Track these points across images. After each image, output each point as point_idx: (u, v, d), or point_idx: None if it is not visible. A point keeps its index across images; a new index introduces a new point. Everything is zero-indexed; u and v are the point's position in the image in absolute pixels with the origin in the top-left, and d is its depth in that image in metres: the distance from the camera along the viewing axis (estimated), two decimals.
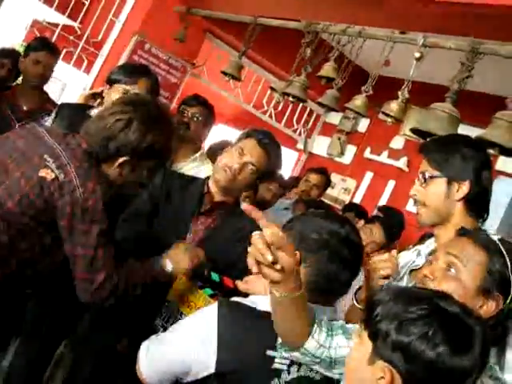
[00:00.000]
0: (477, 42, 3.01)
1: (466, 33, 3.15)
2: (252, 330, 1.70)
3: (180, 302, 2.33)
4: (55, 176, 1.96)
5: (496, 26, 3.09)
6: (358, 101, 3.66)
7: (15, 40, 6.18)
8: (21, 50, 4.55)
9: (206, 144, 5.63)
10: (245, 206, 1.42)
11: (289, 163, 7.60)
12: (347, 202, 6.29)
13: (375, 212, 4.70)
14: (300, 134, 7.32)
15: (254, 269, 1.36)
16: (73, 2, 5.71)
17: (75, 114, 3.11)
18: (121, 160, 2.14)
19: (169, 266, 2.25)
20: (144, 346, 1.87)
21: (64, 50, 5.59)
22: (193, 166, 3.75)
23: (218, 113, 4.18)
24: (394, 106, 3.41)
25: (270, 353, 1.67)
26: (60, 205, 1.97)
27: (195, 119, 3.80)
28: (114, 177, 2.20)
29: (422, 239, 2.49)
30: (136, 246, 2.54)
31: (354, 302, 2.04)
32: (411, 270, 2.18)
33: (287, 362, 1.69)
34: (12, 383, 2.95)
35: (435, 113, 2.96)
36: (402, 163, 6.16)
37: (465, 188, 2.03)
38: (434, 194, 2.07)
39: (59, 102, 3.95)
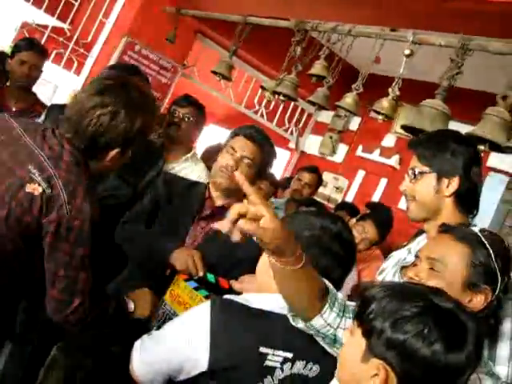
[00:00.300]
0: (466, 39, 3.02)
1: (455, 30, 3.16)
2: (245, 327, 1.69)
3: (176, 303, 2.32)
4: (42, 190, 1.82)
5: (485, 23, 3.10)
6: (349, 99, 3.67)
7: (4, 42, 6.15)
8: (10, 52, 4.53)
9: (198, 145, 5.63)
10: (237, 175, 1.43)
11: (281, 162, 7.60)
12: (340, 201, 6.30)
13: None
14: (292, 133, 7.32)
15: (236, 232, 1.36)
16: (62, 4, 5.70)
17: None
18: (113, 153, 2.01)
19: (130, 306, 2.23)
20: (136, 345, 1.86)
21: (54, 52, 5.58)
22: (184, 167, 3.75)
23: (210, 113, 4.18)
24: (384, 104, 3.42)
25: (262, 350, 1.67)
26: (46, 221, 1.84)
27: (186, 120, 3.79)
28: (104, 170, 2.11)
29: (415, 236, 2.50)
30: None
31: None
32: (402, 267, 2.19)
33: (280, 359, 1.69)
34: None
35: (425, 110, 2.97)
36: (393, 161, 6.17)
37: (454, 184, 2.03)
38: (424, 190, 2.08)
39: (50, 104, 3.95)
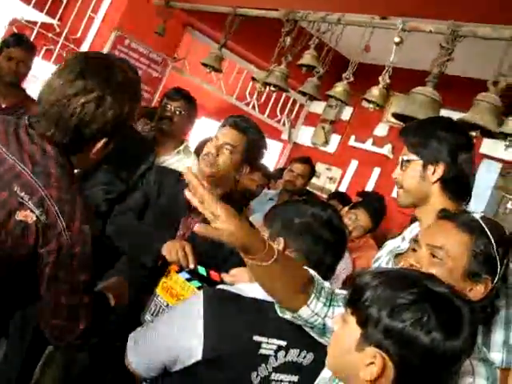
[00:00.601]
0: (456, 25, 3.02)
1: (445, 17, 3.15)
2: (238, 316, 1.69)
3: (168, 295, 2.32)
4: (36, 217, 1.58)
5: (474, 8, 3.10)
6: (340, 88, 3.66)
7: None
8: None
9: (191, 137, 5.61)
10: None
11: (273, 154, 7.60)
12: (333, 191, 6.30)
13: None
14: (284, 125, 7.31)
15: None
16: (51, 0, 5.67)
17: None
18: (99, 144, 1.75)
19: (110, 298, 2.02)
20: (131, 336, 1.87)
21: (44, 48, 5.55)
22: (177, 159, 3.75)
23: (201, 106, 4.18)
24: (375, 92, 3.42)
25: (256, 338, 1.67)
26: (43, 251, 1.61)
27: (178, 113, 3.79)
28: (88, 164, 1.87)
29: (410, 224, 2.50)
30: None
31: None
32: (397, 255, 2.19)
33: (274, 347, 1.69)
34: (4, 380, 2.94)
35: (416, 97, 2.97)
36: (386, 150, 6.17)
37: (440, 170, 2.03)
38: (410, 177, 2.08)
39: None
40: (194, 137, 6.47)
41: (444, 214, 1.75)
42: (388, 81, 3.37)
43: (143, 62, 5.59)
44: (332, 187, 6.55)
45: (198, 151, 4.07)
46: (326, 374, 1.60)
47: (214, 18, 5.17)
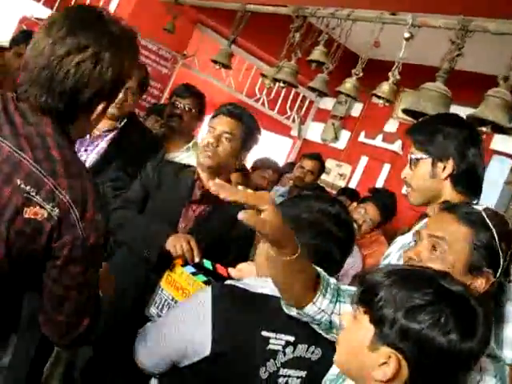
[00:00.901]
0: (466, 20, 3.00)
1: (454, 11, 3.13)
2: (246, 311, 1.69)
3: (174, 289, 2.31)
4: (48, 213, 1.42)
5: (484, 3, 3.08)
6: (349, 84, 3.65)
7: (4, 37, 6.14)
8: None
9: (200, 134, 5.62)
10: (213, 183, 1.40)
11: (283, 150, 7.59)
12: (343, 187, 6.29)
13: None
14: (294, 121, 7.31)
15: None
16: None
17: None
18: (99, 109, 1.57)
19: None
20: (140, 332, 1.87)
21: None
22: (186, 156, 3.75)
23: (210, 102, 4.17)
24: (385, 88, 3.41)
25: (265, 334, 1.67)
26: (57, 245, 1.46)
27: (188, 110, 3.80)
28: (86, 132, 1.71)
29: (419, 220, 2.48)
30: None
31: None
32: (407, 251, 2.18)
33: (282, 342, 1.69)
34: (13, 379, 2.95)
35: (426, 92, 2.96)
36: (396, 146, 6.15)
37: (449, 166, 2.02)
38: (420, 176, 2.08)
39: None
40: (203, 133, 6.47)
41: (445, 206, 1.73)
42: (398, 77, 3.37)
43: (153, 59, 5.60)
44: (342, 183, 6.53)
45: None
46: (335, 370, 1.59)
47: (224, 15, 5.17)
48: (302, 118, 7.33)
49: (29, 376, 2.91)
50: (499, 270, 1.59)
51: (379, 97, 3.46)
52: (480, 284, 1.58)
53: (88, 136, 2.99)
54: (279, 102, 7.07)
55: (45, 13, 5.68)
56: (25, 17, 5.83)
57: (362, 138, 6.61)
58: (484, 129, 2.77)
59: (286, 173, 5.39)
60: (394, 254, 2.28)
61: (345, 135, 6.82)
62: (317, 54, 3.95)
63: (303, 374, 1.74)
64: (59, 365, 3.02)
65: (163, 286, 2.33)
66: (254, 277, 1.85)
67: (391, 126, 6.32)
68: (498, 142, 5.18)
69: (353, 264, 3.79)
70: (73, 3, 5.80)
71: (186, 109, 3.80)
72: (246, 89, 6.78)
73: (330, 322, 1.60)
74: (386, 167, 6.23)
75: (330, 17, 3.88)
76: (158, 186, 2.66)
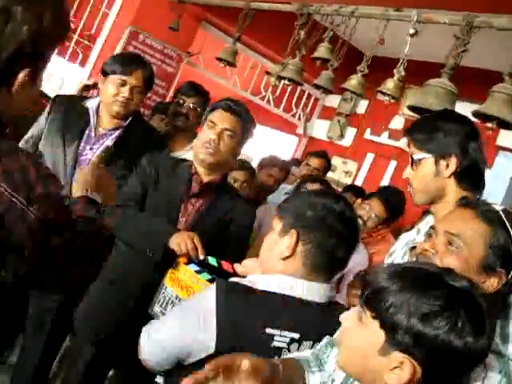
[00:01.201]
0: (471, 16, 2.99)
1: (459, 7, 3.13)
2: (251, 308, 1.69)
3: (178, 287, 2.31)
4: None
5: None
6: (354, 81, 3.65)
7: None
8: None
9: None
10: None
11: (289, 148, 7.59)
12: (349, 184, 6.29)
13: None
14: (299, 119, 7.30)
15: None
16: None
17: (70, 105, 3.10)
18: (21, 76, 1.31)
19: (98, 198, 1.70)
20: (145, 330, 1.87)
21: None
22: (191, 154, 3.74)
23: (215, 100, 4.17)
24: (390, 85, 3.41)
25: (269, 331, 1.67)
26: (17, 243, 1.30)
27: (193, 109, 3.79)
28: (15, 110, 1.39)
29: (423, 216, 2.48)
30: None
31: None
32: (412, 248, 2.17)
33: (287, 340, 1.69)
34: (20, 377, 2.96)
35: (432, 89, 2.95)
36: (402, 143, 6.12)
37: (453, 163, 2.00)
38: (423, 176, 2.06)
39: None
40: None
41: (465, 202, 1.72)
42: (403, 73, 3.37)
43: (157, 58, 5.60)
44: (348, 181, 6.52)
45: None
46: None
47: (228, 13, 5.17)
48: (307, 115, 7.32)
49: (36, 374, 2.92)
50: None
51: (384, 93, 3.46)
52: (492, 283, 1.57)
53: (93, 134, 3.00)
54: (284, 99, 7.06)
55: None
56: None
57: (367, 135, 6.60)
58: (490, 125, 2.76)
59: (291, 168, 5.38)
60: (399, 251, 2.28)
61: (350, 132, 6.81)
62: (321, 51, 3.94)
63: None
64: (65, 363, 3.03)
65: (167, 285, 2.33)
66: (258, 273, 1.85)
67: (397, 123, 6.30)
68: (504, 137, 5.16)
69: (360, 260, 3.77)
70: (77, 2, 5.80)
71: (192, 107, 3.79)
72: (251, 86, 6.78)
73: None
74: (392, 164, 6.21)
75: (334, 14, 3.88)
76: (155, 182, 2.65)
